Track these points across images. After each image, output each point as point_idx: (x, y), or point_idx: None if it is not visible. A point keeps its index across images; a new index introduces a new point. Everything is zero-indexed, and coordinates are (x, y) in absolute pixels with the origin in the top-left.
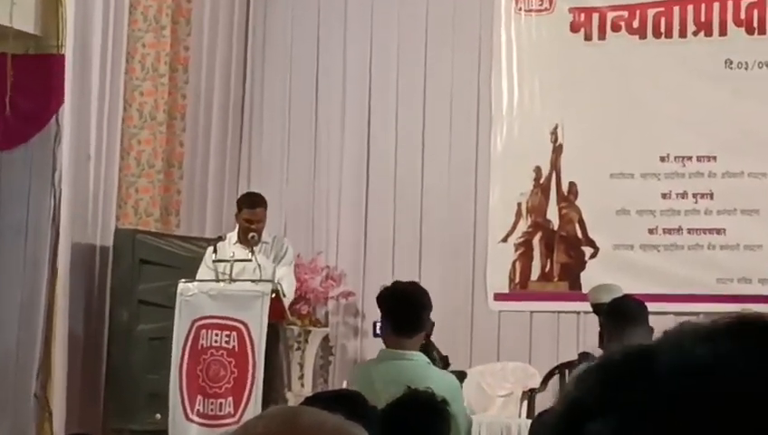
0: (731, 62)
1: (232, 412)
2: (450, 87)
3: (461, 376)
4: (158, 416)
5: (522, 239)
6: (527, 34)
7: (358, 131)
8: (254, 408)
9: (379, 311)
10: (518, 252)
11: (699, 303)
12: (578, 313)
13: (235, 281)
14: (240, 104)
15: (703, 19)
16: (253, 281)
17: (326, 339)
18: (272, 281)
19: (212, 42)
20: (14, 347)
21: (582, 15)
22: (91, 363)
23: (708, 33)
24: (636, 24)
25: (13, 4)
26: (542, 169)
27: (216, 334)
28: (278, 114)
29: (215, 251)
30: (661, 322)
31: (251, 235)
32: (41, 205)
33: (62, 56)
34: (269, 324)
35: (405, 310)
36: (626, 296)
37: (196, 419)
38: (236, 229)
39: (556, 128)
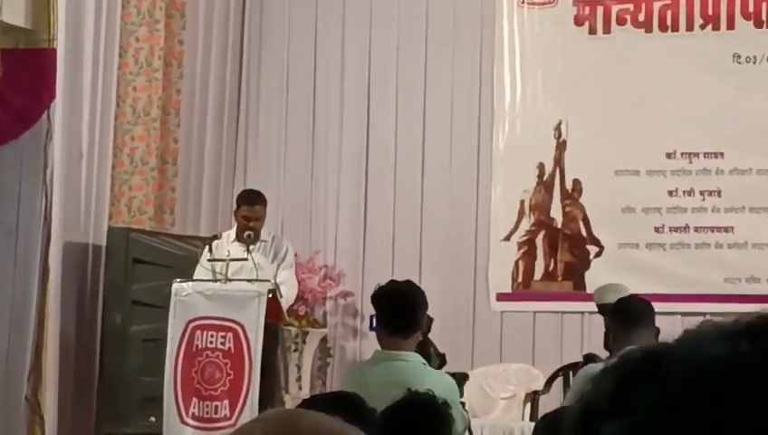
0: (739, 57)
1: (228, 415)
2: (451, 82)
3: (463, 378)
4: (153, 419)
5: (525, 238)
6: (530, 28)
7: (357, 127)
8: (250, 411)
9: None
10: (521, 251)
11: (706, 303)
12: (582, 313)
13: (230, 281)
14: (236, 100)
15: (710, 12)
16: (249, 281)
17: (324, 340)
18: (269, 281)
19: (207, 36)
20: (5, 349)
21: (587, 9)
22: (84, 365)
23: (716, 27)
24: (641, 17)
25: None
26: (546, 165)
27: (212, 335)
28: (275, 110)
29: (210, 250)
30: (668, 322)
31: (246, 233)
32: (31, 203)
33: (54, 51)
34: (267, 325)
35: (399, 310)
36: (632, 296)
37: (191, 422)
38: (235, 227)
39: (560, 124)
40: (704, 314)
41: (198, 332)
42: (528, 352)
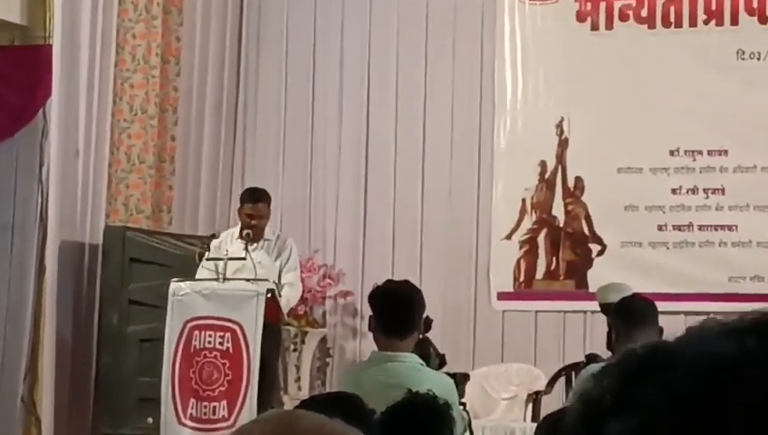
0: (743, 53)
1: (226, 416)
2: (452, 79)
3: (464, 378)
4: (150, 420)
5: (526, 236)
6: (532, 24)
7: (356, 125)
8: (248, 411)
9: None
10: (522, 249)
11: (710, 302)
12: (585, 312)
13: (228, 280)
14: (234, 97)
15: (714, 8)
16: (247, 280)
17: (323, 340)
18: (267, 280)
19: (205, 32)
20: (0, 349)
21: (589, 4)
22: (80, 366)
23: (719, 23)
24: (644, 12)
25: None
26: (548, 163)
27: (210, 335)
28: (273, 106)
29: (208, 249)
30: (671, 321)
31: (245, 232)
32: (27, 202)
33: (50, 47)
34: (268, 325)
35: (396, 310)
36: (635, 296)
37: (188, 423)
38: (239, 225)
39: (562, 121)
40: (707, 313)
41: (196, 332)
42: (530, 352)
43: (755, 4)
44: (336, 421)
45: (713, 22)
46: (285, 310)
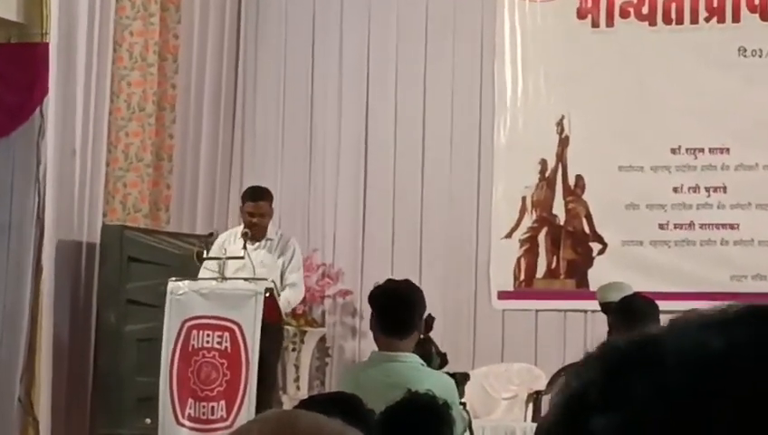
0: (744, 50)
1: (224, 416)
2: (452, 77)
3: (464, 378)
4: (148, 420)
5: (527, 235)
6: (532, 22)
7: (355, 123)
8: (247, 411)
9: None
10: (523, 248)
11: (712, 301)
12: (585, 311)
13: (226, 279)
14: (232, 94)
15: (715, 5)
16: (246, 279)
17: (323, 339)
18: (266, 279)
19: (203, 29)
20: None
21: (589, 1)
22: (78, 366)
23: (721, 20)
24: (645, 10)
25: None
26: (548, 161)
27: (208, 335)
28: (272, 104)
29: (206, 248)
30: None
31: (244, 231)
32: (24, 201)
33: (46, 45)
34: (268, 325)
35: (396, 310)
36: (636, 295)
37: (187, 423)
38: (242, 225)
39: (562, 119)
40: None
41: (194, 331)
42: (530, 352)
43: (757, 1)
44: (335, 421)
45: (714, 19)
46: (285, 311)
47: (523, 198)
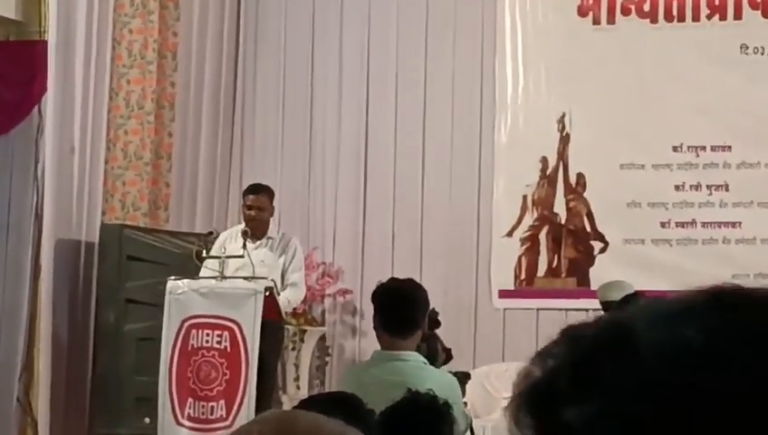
0: (746, 47)
1: (224, 416)
2: (452, 74)
3: (465, 377)
4: (147, 420)
5: (527, 233)
6: (533, 19)
7: (355, 121)
8: (246, 411)
9: None
10: (524, 247)
11: None
12: (587, 310)
13: (226, 278)
14: (232, 92)
15: (717, 2)
16: (245, 278)
17: (323, 339)
18: (266, 278)
19: (202, 27)
20: None
21: None
22: (77, 365)
23: (723, 17)
24: (647, 7)
25: None
26: (549, 159)
27: (208, 334)
28: (272, 102)
29: (205, 247)
30: None
31: (244, 229)
32: (23, 199)
33: (45, 43)
34: (268, 324)
35: (399, 309)
36: (637, 294)
37: (186, 423)
38: (243, 223)
39: (563, 117)
40: None
41: (194, 330)
42: (531, 351)
43: None
44: (335, 421)
45: (716, 16)
46: (285, 310)
47: (524, 197)
